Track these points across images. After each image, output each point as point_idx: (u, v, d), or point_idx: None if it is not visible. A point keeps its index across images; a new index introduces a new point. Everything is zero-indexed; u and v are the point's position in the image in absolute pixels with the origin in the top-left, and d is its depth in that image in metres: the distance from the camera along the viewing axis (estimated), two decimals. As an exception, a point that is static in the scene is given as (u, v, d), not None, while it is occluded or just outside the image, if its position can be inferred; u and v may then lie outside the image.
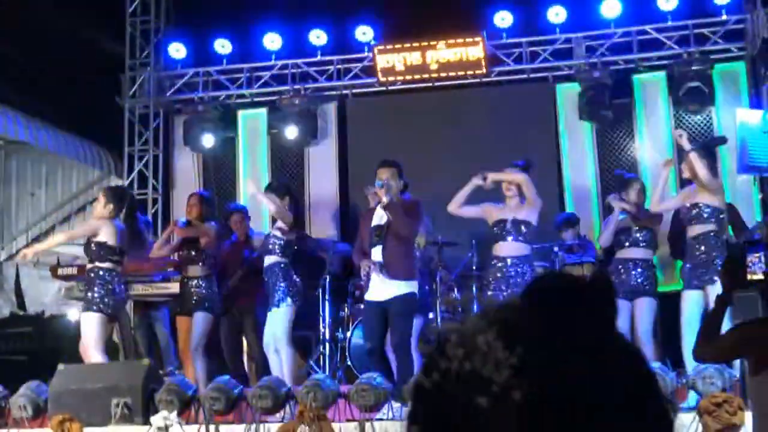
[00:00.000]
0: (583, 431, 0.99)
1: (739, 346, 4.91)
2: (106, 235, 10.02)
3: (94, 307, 9.84)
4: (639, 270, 10.03)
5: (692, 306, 9.24)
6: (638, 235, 10.17)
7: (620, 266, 10.07)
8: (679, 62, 13.65)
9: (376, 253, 9.55)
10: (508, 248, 9.83)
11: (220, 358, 11.46)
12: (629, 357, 1.08)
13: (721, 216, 9.37)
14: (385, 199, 9.48)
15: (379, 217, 9.64)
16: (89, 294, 9.91)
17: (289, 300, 10.05)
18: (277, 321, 10.06)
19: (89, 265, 10.10)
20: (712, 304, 8.84)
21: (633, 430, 1.03)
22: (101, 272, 9.93)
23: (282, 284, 10.10)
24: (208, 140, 14.97)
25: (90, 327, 9.86)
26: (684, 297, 9.37)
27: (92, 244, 10.04)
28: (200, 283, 10.85)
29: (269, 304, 10.18)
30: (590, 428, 1.00)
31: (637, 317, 9.86)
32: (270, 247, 10.28)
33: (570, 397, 0.99)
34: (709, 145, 9.87)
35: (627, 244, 10.18)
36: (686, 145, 9.63)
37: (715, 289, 8.91)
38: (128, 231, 10.29)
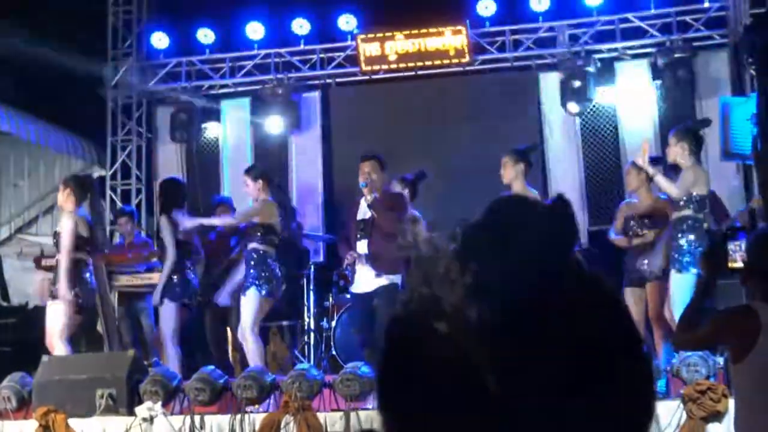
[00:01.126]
0: (540, 354, 0.98)
1: (719, 334, 4.93)
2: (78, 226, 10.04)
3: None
4: None
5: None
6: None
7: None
8: (662, 50, 13.66)
9: (362, 247, 9.59)
10: None
11: (205, 348, 11.45)
12: (589, 280, 1.06)
13: (698, 201, 9.32)
14: (369, 197, 9.53)
15: (364, 211, 9.67)
16: (58, 285, 9.93)
17: (253, 288, 9.89)
18: (243, 309, 9.97)
19: (58, 256, 10.10)
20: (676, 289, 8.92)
21: (597, 359, 1.01)
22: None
23: (251, 271, 9.98)
24: (191, 130, 14.94)
25: (56, 317, 9.88)
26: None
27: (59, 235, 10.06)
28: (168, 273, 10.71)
29: (242, 290, 10.10)
30: (548, 352, 0.99)
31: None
32: (249, 233, 10.22)
33: (525, 319, 0.98)
34: (693, 129, 9.83)
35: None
36: (649, 169, 9.58)
37: (689, 276, 8.96)
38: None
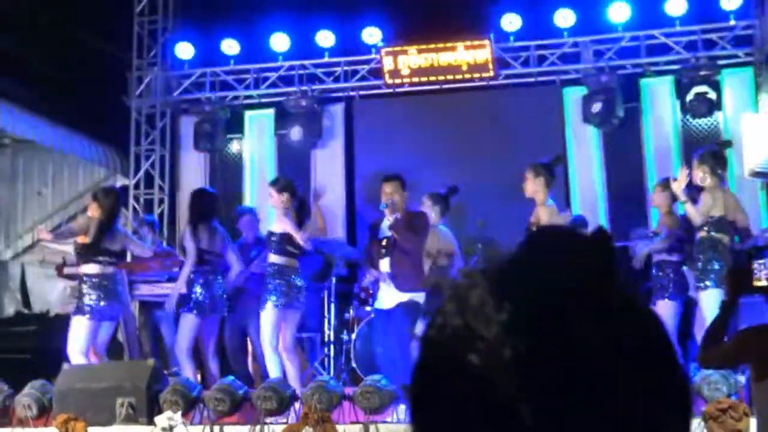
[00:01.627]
0: (579, 395, 0.98)
1: (742, 353, 4.91)
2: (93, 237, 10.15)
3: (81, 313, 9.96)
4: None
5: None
6: None
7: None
8: (686, 67, 13.63)
9: (385, 265, 9.60)
10: None
11: (225, 359, 11.45)
12: (637, 319, 1.05)
13: (714, 223, 9.39)
14: (390, 219, 9.55)
15: (386, 230, 9.70)
16: (81, 300, 10.00)
17: (270, 302, 9.88)
18: (262, 322, 9.98)
19: (82, 270, 10.16)
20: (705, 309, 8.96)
21: (639, 400, 1.01)
22: (94, 277, 10.01)
23: (269, 285, 9.97)
24: (214, 141, 14.98)
25: (77, 332, 9.95)
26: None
27: (83, 246, 10.15)
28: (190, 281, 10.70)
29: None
30: (587, 392, 0.98)
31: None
32: (270, 246, 10.20)
33: (562, 356, 0.98)
34: (715, 151, 9.85)
35: None
36: (681, 196, 9.66)
37: (709, 294, 9.03)
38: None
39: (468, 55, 14.17)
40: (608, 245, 1.08)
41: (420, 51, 14.30)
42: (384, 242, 9.71)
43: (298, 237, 9.94)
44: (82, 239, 10.23)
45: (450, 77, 14.35)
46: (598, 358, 0.99)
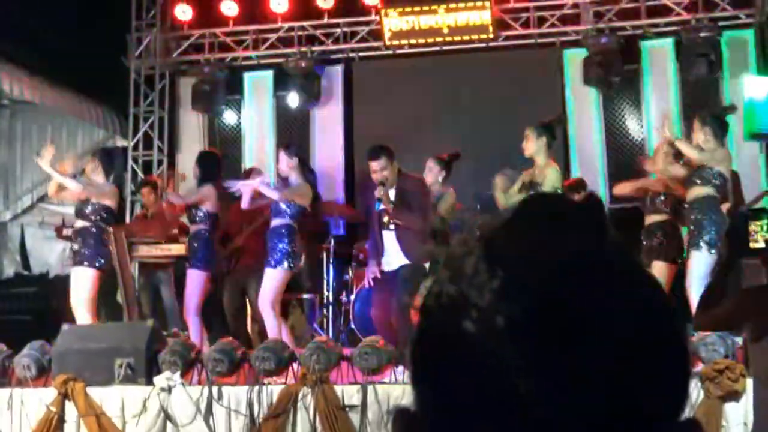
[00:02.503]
0: (574, 360, 0.98)
1: (739, 315, 4.91)
2: (109, 198, 10.15)
3: (86, 263, 9.97)
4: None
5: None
6: None
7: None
8: (687, 29, 13.59)
9: (390, 238, 9.54)
10: None
11: (224, 319, 11.48)
12: (632, 282, 1.05)
13: (719, 181, 9.33)
14: (390, 207, 9.45)
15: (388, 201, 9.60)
16: (83, 250, 10.03)
17: (285, 263, 9.90)
18: (266, 282, 9.98)
19: (85, 224, 10.16)
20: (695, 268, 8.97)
21: (636, 365, 1.01)
22: (95, 230, 10.05)
23: (280, 246, 9.98)
24: (213, 102, 14.96)
25: (81, 282, 9.98)
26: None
27: (90, 205, 10.14)
28: (194, 240, 10.73)
29: (266, 263, 10.08)
30: (582, 358, 0.98)
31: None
32: (275, 207, 10.20)
33: (556, 322, 0.98)
34: (718, 115, 9.82)
35: None
36: (670, 137, 9.63)
37: (702, 255, 9.03)
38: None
39: (468, 16, 14.12)
40: (599, 211, 1.08)
41: (420, 12, 14.25)
42: (383, 214, 9.61)
43: (264, 189, 9.99)
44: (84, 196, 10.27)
45: (450, 39, 14.31)
46: (593, 323, 0.99)
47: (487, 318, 0.98)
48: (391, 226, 9.54)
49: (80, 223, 10.29)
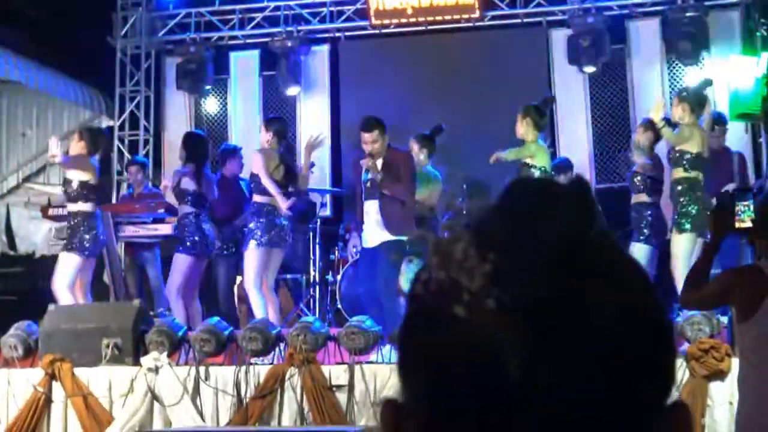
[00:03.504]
0: (564, 344, 0.98)
1: (725, 293, 4.93)
2: (88, 173, 10.12)
3: (73, 249, 9.98)
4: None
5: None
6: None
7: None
8: (673, 8, 13.59)
9: (372, 207, 9.56)
10: None
11: (213, 299, 11.48)
12: (618, 267, 1.06)
13: (690, 160, 9.40)
14: (378, 177, 9.48)
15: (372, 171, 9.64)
16: (72, 236, 10.02)
17: (253, 242, 9.93)
18: (245, 261, 10.05)
19: (72, 207, 10.14)
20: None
21: (623, 347, 1.01)
22: (83, 214, 10.03)
23: (251, 224, 10.01)
24: (199, 82, 14.91)
25: (66, 267, 9.98)
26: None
27: (73, 183, 10.09)
28: (184, 222, 10.72)
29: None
30: (572, 341, 0.99)
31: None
32: (253, 186, 10.23)
33: (546, 306, 0.98)
34: (695, 89, 9.86)
35: None
36: (659, 122, 9.67)
37: (685, 237, 9.10)
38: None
39: (454, -5, 14.11)
40: (587, 195, 1.08)
41: (407, -8, 14.22)
42: (368, 184, 9.66)
43: (264, 178, 9.96)
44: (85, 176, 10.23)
45: (437, 18, 14.29)
46: (581, 307, 0.99)
47: (478, 302, 0.98)
48: (376, 196, 9.56)
49: (69, 207, 10.25)
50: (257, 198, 10.11)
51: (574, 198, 1.07)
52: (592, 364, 0.98)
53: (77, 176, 10.15)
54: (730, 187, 9.78)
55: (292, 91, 14.76)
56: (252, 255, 9.92)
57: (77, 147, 10.33)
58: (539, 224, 1.03)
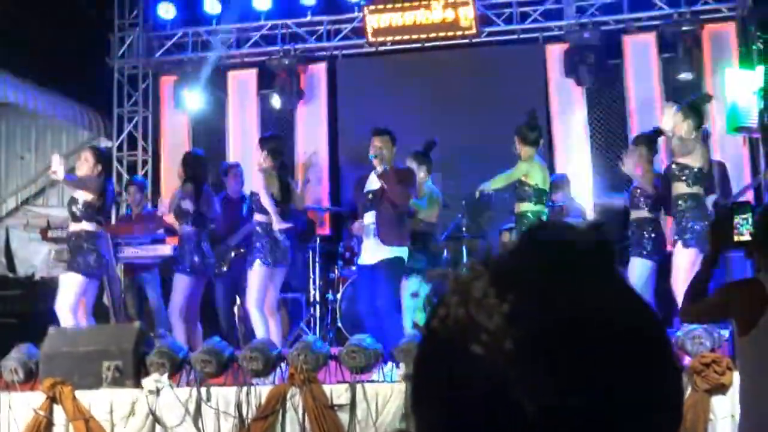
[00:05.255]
0: (579, 384, 0.99)
1: (725, 307, 4.93)
2: (95, 194, 10.07)
3: (77, 270, 9.91)
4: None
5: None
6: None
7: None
8: (669, 22, 13.63)
9: (369, 218, 9.59)
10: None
11: (215, 319, 11.47)
12: (632, 311, 1.07)
13: (695, 175, 9.37)
14: (379, 169, 9.52)
15: (373, 183, 9.68)
16: (75, 256, 9.95)
17: (258, 261, 9.93)
18: (249, 281, 10.03)
19: (76, 226, 10.07)
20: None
21: (634, 386, 1.02)
22: (87, 234, 9.95)
23: (257, 244, 10.01)
24: (197, 101, 14.92)
25: (69, 288, 9.92)
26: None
27: (79, 202, 10.03)
28: (183, 242, 10.71)
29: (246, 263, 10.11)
30: (587, 381, 0.99)
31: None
32: (254, 206, 10.23)
33: (564, 347, 0.99)
34: (695, 104, 9.84)
35: None
36: (668, 132, 9.67)
37: (688, 251, 9.08)
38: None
39: (451, 12, 14.14)
40: (607, 242, 1.10)
41: (403, 9, 14.26)
42: (370, 195, 9.69)
43: (264, 198, 9.97)
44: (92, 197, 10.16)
45: (433, 35, 14.33)
46: (598, 350, 1.01)
47: (496, 341, 1.00)
48: (372, 211, 9.59)
49: (72, 226, 10.17)
50: (259, 217, 10.11)
51: (595, 244, 1.08)
52: (610, 409, 1.00)
53: (83, 196, 10.10)
54: (711, 198, 9.77)
55: (288, 107, 14.78)
56: (257, 274, 9.92)
57: (86, 166, 10.23)
58: (558, 268, 1.04)
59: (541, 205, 9.90)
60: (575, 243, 1.06)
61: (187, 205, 10.64)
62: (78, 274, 9.91)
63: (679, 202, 9.33)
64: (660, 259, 9.83)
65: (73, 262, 9.96)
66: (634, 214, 10.11)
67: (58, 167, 9.85)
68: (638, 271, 9.64)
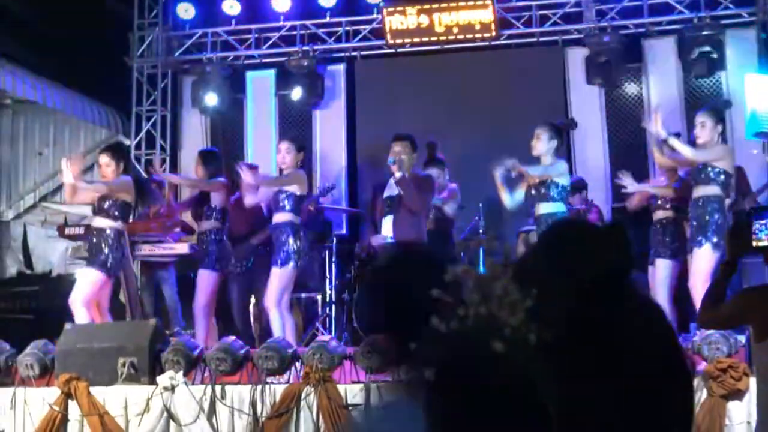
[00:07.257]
0: (600, 378, 0.99)
1: (742, 313, 4.91)
2: (127, 194, 10.06)
3: (96, 266, 9.90)
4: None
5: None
6: None
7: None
8: (689, 27, 13.59)
9: (387, 223, 9.60)
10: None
11: (229, 317, 11.48)
12: (646, 308, 1.08)
13: (724, 179, 9.27)
14: (397, 174, 9.52)
15: (391, 188, 9.69)
16: (96, 252, 9.94)
17: (291, 262, 9.91)
18: (273, 281, 9.96)
19: (99, 222, 10.04)
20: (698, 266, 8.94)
21: (650, 378, 1.03)
22: (109, 231, 9.93)
23: (285, 244, 9.96)
24: (215, 101, 14.94)
25: (86, 283, 9.92)
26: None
27: (108, 200, 9.99)
28: (207, 239, 10.71)
29: (272, 262, 10.06)
30: (608, 376, 1.00)
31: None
32: (280, 203, 10.15)
33: (586, 342, 1.00)
34: (716, 109, 9.77)
35: None
36: (662, 133, 9.55)
37: (704, 251, 9.00)
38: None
39: (470, 15, 14.12)
40: (624, 238, 1.10)
41: (422, 11, 14.24)
42: (388, 202, 9.70)
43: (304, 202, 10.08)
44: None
45: (452, 37, 14.31)
46: (620, 344, 1.01)
47: (519, 336, 1.00)
48: (390, 215, 9.60)
49: (98, 222, 10.13)
50: (286, 217, 10.02)
51: (614, 243, 1.09)
52: (630, 401, 1.00)
53: (122, 197, 10.08)
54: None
55: (306, 108, 14.79)
56: (286, 273, 9.87)
57: (109, 170, 10.16)
58: (578, 265, 1.05)
59: (564, 206, 9.78)
60: (596, 244, 1.06)
61: (215, 201, 10.67)
62: (98, 271, 9.91)
63: (699, 202, 9.26)
64: (681, 261, 9.77)
65: (95, 259, 9.94)
66: (657, 215, 10.07)
67: (65, 169, 9.84)
68: (661, 272, 9.61)
